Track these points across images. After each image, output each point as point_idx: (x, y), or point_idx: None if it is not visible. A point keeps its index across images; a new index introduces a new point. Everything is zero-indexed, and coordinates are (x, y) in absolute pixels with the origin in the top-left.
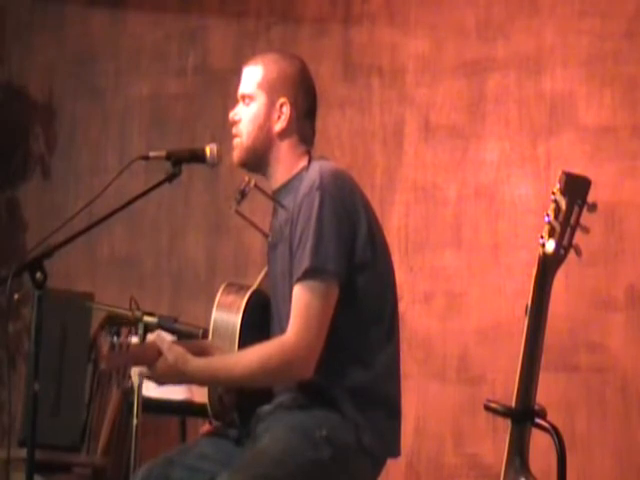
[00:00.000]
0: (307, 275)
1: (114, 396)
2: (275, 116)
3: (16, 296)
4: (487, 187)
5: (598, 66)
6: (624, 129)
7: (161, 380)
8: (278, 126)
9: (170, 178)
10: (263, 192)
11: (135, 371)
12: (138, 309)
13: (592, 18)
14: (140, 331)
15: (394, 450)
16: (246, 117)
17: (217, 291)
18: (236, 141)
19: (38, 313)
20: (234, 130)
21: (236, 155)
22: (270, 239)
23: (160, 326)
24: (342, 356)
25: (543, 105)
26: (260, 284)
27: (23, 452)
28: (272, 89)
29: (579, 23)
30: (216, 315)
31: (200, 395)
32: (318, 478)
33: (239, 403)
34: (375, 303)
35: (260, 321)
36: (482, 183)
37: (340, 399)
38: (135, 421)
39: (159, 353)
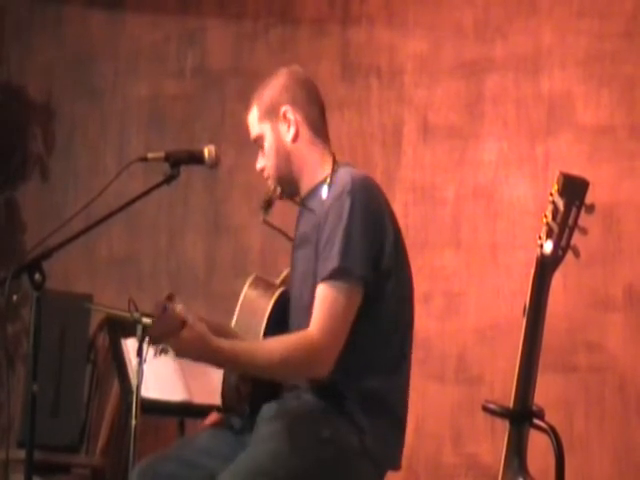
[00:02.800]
0: (334, 275)
1: (113, 397)
2: (284, 129)
3: (14, 297)
4: (485, 187)
5: (596, 66)
6: (622, 129)
7: (183, 350)
8: (291, 133)
9: (169, 180)
10: (289, 199)
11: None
12: (137, 310)
13: (590, 18)
14: (138, 332)
15: (395, 460)
16: (268, 155)
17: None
18: (270, 182)
19: (37, 314)
20: (265, 175)
21: (277, 191)
22: (295, 242)
23: None
24: (356, 360)
25: (541, 105)
26: (284, 283)
27: (22, 453)
28: (271, 113)
29: (577, 23)
30: (239, 314)
31: (199, 396)
32: (319, 477)
33: (254, 393)
34: (394, 312)
35: (285, 324)
36: (480, 183)
37: (348, 401)
38: (134, 422)
39: (183, 324)
